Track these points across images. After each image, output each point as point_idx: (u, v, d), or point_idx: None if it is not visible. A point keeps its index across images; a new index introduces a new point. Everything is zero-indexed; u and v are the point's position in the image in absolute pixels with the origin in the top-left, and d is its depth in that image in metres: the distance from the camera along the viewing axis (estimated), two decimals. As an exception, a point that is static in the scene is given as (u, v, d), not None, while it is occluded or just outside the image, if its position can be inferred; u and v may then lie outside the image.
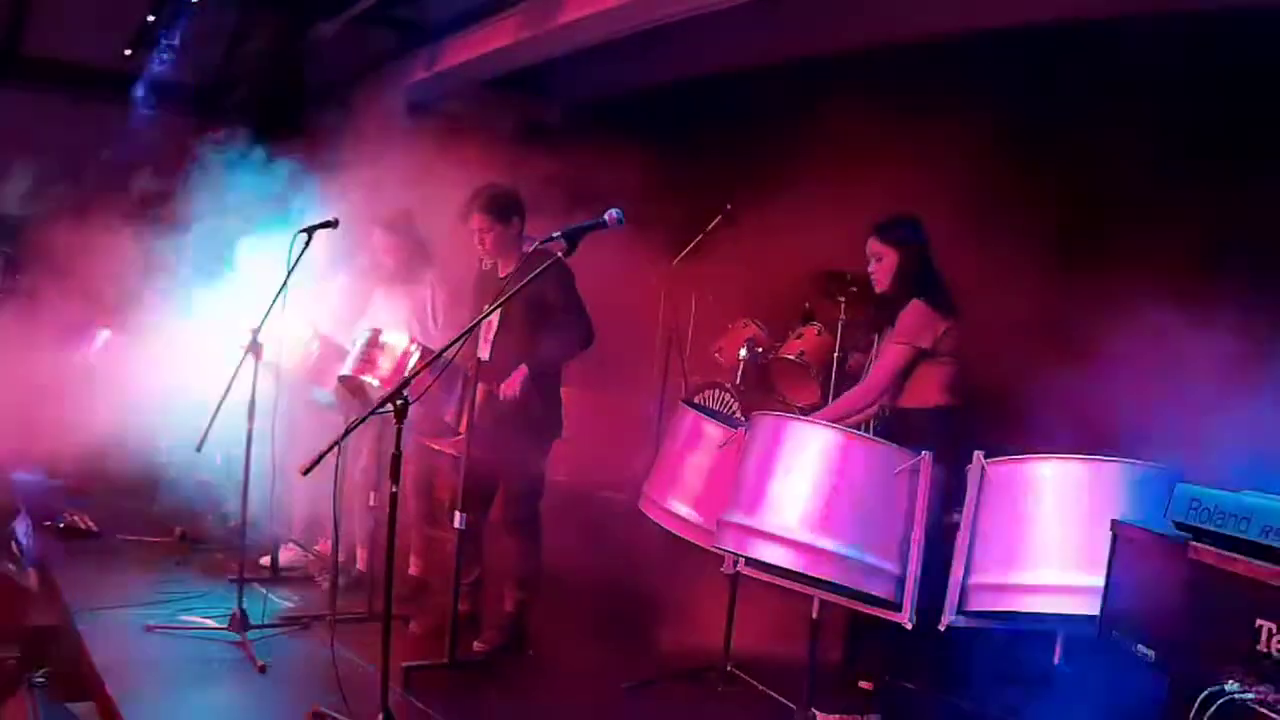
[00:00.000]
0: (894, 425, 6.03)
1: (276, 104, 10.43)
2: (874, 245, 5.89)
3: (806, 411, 7.57)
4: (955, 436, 5.56)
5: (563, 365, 6.69)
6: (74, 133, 12.13)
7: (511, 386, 6.34)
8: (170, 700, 5.53)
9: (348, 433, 5.06)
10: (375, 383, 6.55)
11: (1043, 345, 6.59)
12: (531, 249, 6.15)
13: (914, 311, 5.79)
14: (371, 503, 7.01)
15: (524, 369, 6.38)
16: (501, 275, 6.64)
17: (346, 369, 6.80)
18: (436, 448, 6.85)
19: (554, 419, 6.76)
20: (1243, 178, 6.42)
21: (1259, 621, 3.24)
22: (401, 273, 7.65)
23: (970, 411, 5.92)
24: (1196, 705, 3.26)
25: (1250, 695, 3.19)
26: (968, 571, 5.05)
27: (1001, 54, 8.05)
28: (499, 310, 6.24)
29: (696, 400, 8.25)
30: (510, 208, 6.65)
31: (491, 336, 6.62)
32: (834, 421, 5.57)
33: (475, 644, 6.59)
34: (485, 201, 6.59)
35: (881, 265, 5.85)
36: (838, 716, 5.80)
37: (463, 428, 6.37)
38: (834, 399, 7.92)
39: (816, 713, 5.58)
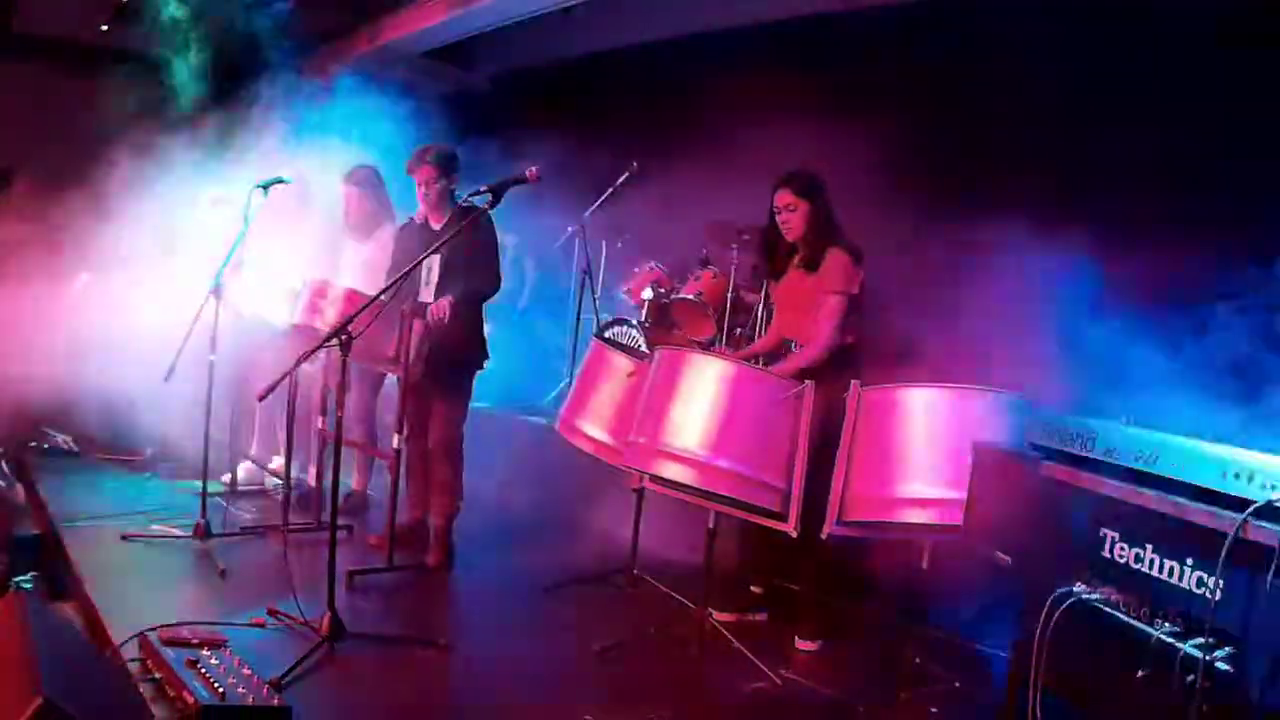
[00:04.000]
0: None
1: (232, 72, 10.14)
2: (787, 197, 5.67)
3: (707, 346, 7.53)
4: (854, 369, 5.47)
5: (480, 302, 6.53)
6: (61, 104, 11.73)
7: (440, 309, 6.18)
8: (142, 600, 5.43)
9: (298, 364, 5.00)
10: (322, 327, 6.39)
11: (917, 286, 6.56)
12: (463, 202, 6.13)
13: (838, 262, 5.57)
14: (319, 426, 6.87)
15: (450, 298, 6.24)
16: (435, 226, 6.52)
17: (296, 316, 6.63)
18: (383, 371, 6.76)
19: (478, 349, 6.64)
20: (1092, 128, 6.43)
21: (1103, 530, 3.25)
22: (363, 225, 7.46)
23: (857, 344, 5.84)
24: (1048, 604, 3.27)
25: (1095, 596, 3.21)
26: (846, 486, 5.00)
27: (874, 24, 8.00)
28: (438, 256, 6.22)
29: (607, 335, 8.15)
30: (451, 164, 6.54)
31: (434, 281, 6.46)
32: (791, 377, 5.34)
33: (428, 560, 6.54)
34: (433, 156, 6.47)
35: (795, 215, 5.68)
36: (731, 615, 5.79)
37: (402, 359, 6.24)
38: (728, 336, 7.85)
39: (712, 611, 5.55)
